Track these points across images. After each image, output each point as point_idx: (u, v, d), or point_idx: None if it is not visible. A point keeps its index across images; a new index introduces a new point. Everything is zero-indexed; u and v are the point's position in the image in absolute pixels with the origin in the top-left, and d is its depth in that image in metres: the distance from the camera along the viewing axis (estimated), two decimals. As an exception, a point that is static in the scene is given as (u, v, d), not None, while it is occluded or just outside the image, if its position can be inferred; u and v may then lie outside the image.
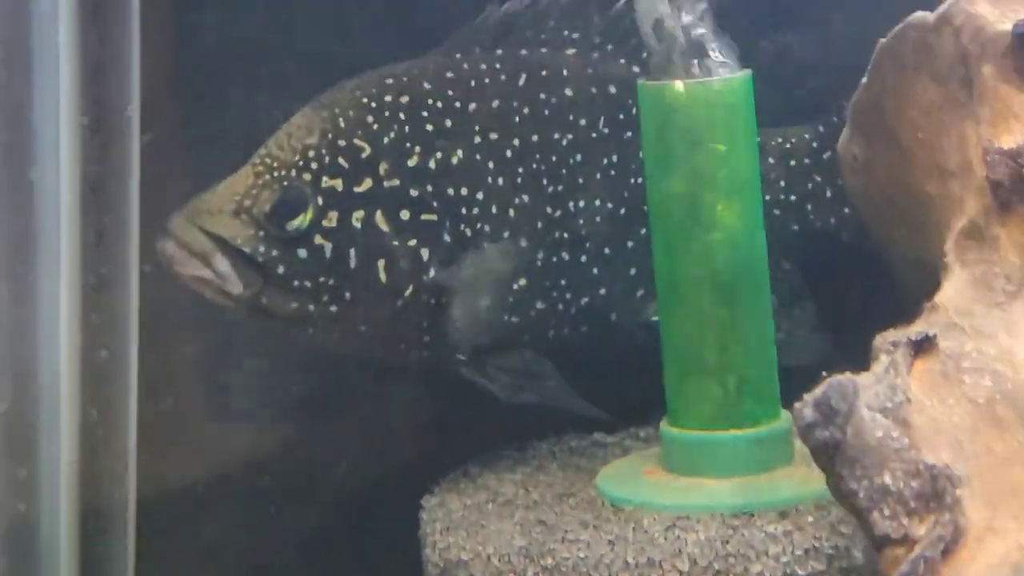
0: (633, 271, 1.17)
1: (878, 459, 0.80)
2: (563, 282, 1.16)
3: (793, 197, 1.19)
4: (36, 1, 1.13)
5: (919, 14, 1.00)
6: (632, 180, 1.17)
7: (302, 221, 1.11)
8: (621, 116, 1.14)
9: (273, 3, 1.35)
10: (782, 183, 1.18)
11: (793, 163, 1.19)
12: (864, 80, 1.05)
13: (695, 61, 1.12)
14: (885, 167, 1.07)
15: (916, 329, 0.87)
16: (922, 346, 0.86)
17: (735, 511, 0.99)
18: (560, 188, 1.18)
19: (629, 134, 1.14)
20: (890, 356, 0.85)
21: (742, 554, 0.96)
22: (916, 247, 1.07)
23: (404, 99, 1.14)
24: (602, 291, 1.18)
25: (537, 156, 1.17)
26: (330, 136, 1.14)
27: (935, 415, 0.83)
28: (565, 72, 1.19)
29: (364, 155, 1.12)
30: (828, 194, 1.19)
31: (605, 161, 1.18)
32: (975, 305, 0.90)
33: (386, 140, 1.13)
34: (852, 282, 1.18)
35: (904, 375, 0.84)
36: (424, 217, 1.12)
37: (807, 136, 1.21)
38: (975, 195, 0.95)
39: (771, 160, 1.17)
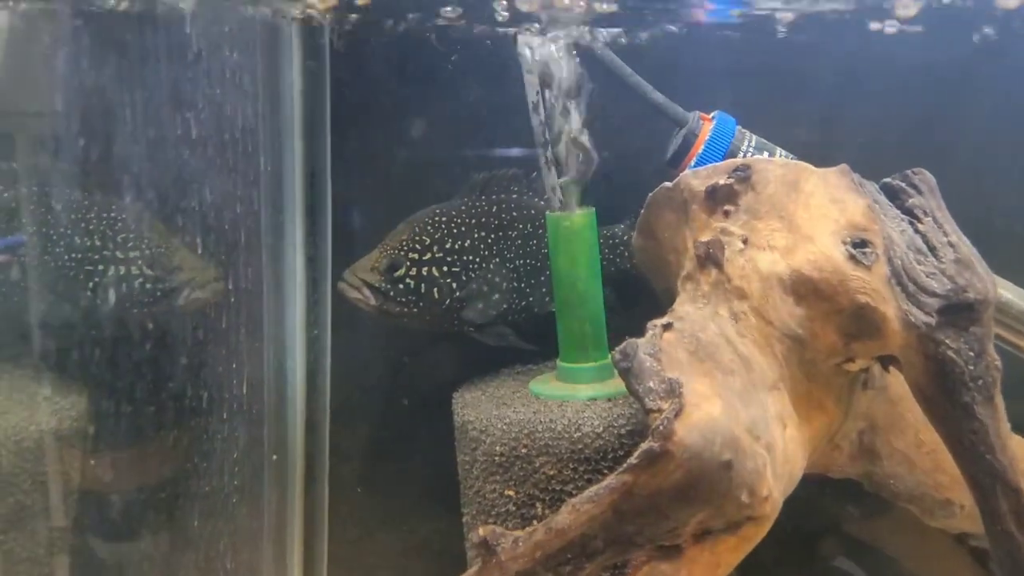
0: (545, 290, 1.12)
1: (646, 375, 0.79)
2: (516, 297, 1.12)
3: (612, 257, 1.15)
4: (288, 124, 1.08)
5: (665, 183, 0.96)
6: (545, 251, 1.08)
7: (401, 272, 1.08)
8: (540, 224, 1.11)
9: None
10: (606, 251, 1.14)
11: (612, 242, 1.16)
12: (642, 210, 1.00)
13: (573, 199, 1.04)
14: (652, 249, 1.02)
15: (664, 320, 0.85)
16: (667, 327, 0.84)
17: (589, 399, 0.97)
18: (515, 257, 1.13)
19: (543, 232, 1.09)
20: (653, 330, 0.84)
21: (591, 415, 0.94)
22: (665, 284, 1.01)
23: (443, 219, 1.10)
24: (532, 300, 1.12)
25: (505, 243, 1.11)
26: (412, 234, 1.10)
27: (672, 356, 0.81)
28: (514, 203, 1.14)
29: (427, 243, 1.09)
30: (627, 255, 1.15)
31: (534, 243, 1.12)
32: (689, 308, 0.88)
33: (436, 236, 1.09)
34: (638, 299, 1.13)
35: (659, 339, 0.83)
36: (452, 269, 1.09)
37: (618, 231, 1.16)
38: (690, 261, 0.92)
39: (603, 240, 1.11)
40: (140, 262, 0.97)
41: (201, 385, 0.92)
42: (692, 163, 1.04)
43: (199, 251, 0.98)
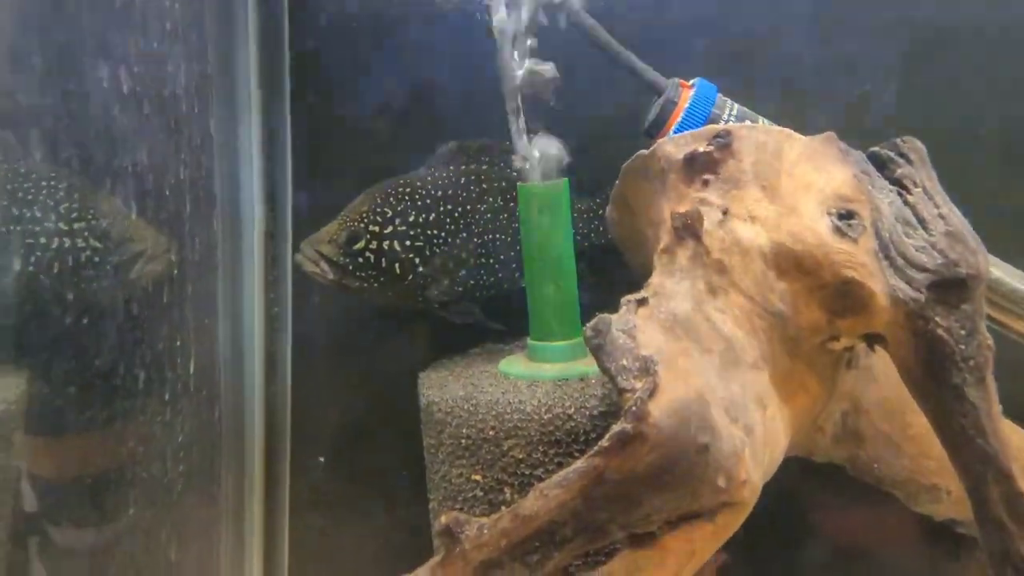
0: (515, 267, 1.09)
1: (620, 352, 0.75)
2: (484, 273, 1.08)
3: (585, 231, 1.12)
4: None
5: (642, 151, 0.90)
6: (515, 226, 1.08)
7: (361, 246, 1.04)
8: (511, 197, 1.07)
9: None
10: (580, 224, 1.10)
11: (587, 216, 1.12)
12: (617, 181, 0.95)
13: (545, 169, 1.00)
14: (628, 222, 0.98)
15: (639, 295, 0.81)
16: (641, 302, 0.81)
17: (560, 379, 0.94)
18: (481, 227, 1.09)
19: (514, 206, 1.06)
20: (627, 305, 0.80)
21: (562, 396, 0.91)
22: (641, 259, 0.95)
23: (407, 190, 1.06)
24: (501, 276, 1.09)
25: (473, 216, 1.07)
26: (373, 205, 1.06)
27: (647, 333, 0.77)
28: (483, 175, 1.10)
29: (388, 215, 1.05)
30: (601, 230, 1.11)
31: (504, 217, 1.09)
32: (665, 282, 0.83)
33: (399, 208, 1.05)
34: (613, 273, 1.08)
35: (633, 314, 0.79)
36: (416, 244, 1.05)
37: (593, 204, 1.12)
38: (667, 233, 0.85)
39: (575, 214, 1.06)
40: (86, 233, 0.90)
41: (149, 365, 0.85)
42: (671, 133, 0.99)
43: (152, 222, 0.91)
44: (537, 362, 0.99)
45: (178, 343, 0.86)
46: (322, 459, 1.11)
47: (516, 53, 0.94)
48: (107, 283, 0.91)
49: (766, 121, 1.01)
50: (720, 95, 1.01)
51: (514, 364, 1.00)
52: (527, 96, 0.96)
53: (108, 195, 0.89)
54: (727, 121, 0.99)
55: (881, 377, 0.92)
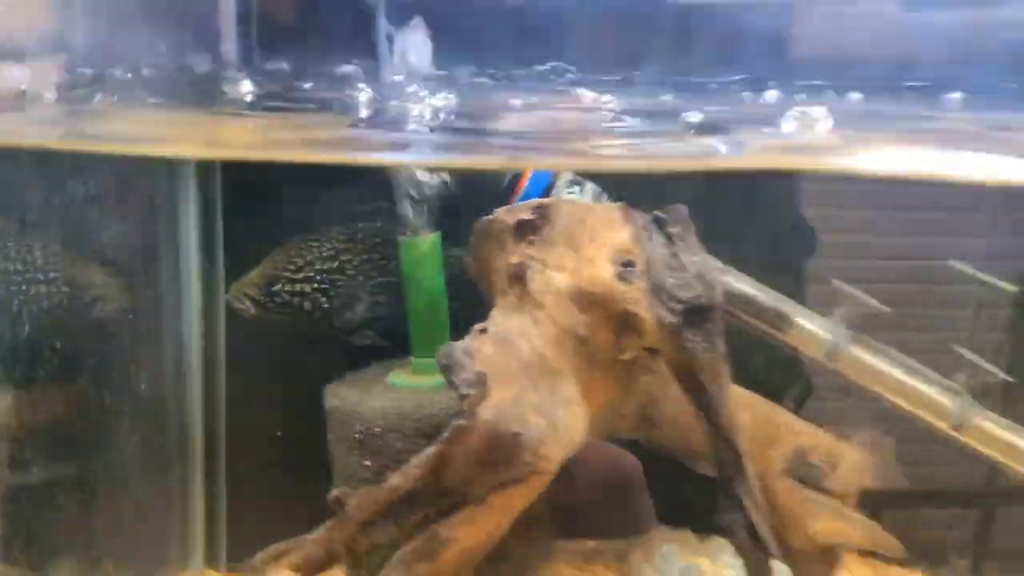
0: (399, 301, 1.26)
1: (461, 369, 0.98)
2: (376, 306, 1.27)
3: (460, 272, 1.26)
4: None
5: (487, 218, 1.13)
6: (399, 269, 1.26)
7: (278, 288, 1.23)
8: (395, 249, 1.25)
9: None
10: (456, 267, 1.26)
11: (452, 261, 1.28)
12: (471, 238, 1.16)
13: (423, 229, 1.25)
14: (479, 268, 1.17)
15: (481, 325, 1.05)
16: (483, 330, 1.04)
17: (433, 388, 1.17)
18: (374, 271, 1.28)
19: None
20: (472, 333, 1.03)
21: (432, 401, 1.16)
22: (490, 295, 1.15)
23: (314, 243, 1.25)
24: (390, 308, 1.27)
25: (367, 263, 1.27)
26: (288, 256, 1.25)
27: (483, 354, 1.01)
28: (375, 231, 1.28)
29: (300, 264, 1.24)
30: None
31: (391, 263, 1.27)
32: (500, 317, 1.07)
33: (308, 258, 1.24)
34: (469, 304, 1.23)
35: (475, 340, 1.02)
36: (322, 286, 1.24)
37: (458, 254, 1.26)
38: (503, 279, 1.10)
39: (453, 259, 1.27)
40: (59, 282, 1.15)
41: (113, 379, 1.11)
42: (520, 195, 1.28)
43: (110, 272, 1.15)
44: (417, 375, 1.23)
45: (140, 362, 1.12)
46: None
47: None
48: (77, 317, 1.16)
49: (593, 185, 1.29)
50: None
51: (399, 376, 1.24)
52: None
53: (78, 257, 1.15)
54: (560, 187, 1.29)
55: (667, 377, 1.19)
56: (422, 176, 1.22)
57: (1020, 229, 1.68)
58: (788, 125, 1.13)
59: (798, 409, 1.40)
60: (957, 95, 1.31)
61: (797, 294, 1.29)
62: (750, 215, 1.45)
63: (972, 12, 1.28)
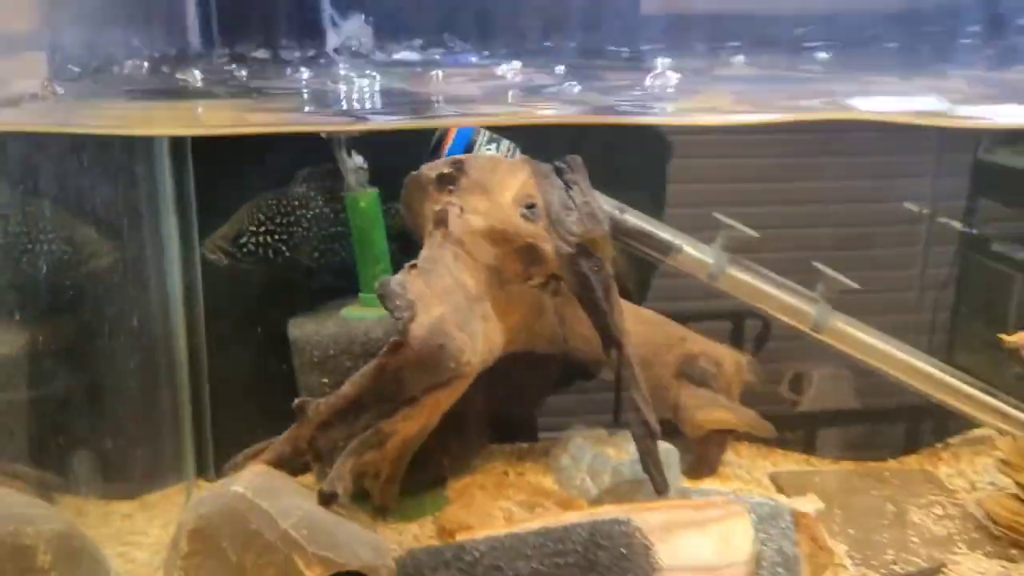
0: (349, 247, 1.43)
1: (395, 297, 1.15)
2: (330, 253, 1.45)
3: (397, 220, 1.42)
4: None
5: (414, 173, 1.30)
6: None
7: (244, 240, 1.40)
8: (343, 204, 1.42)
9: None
10: (395, 216, 1.42)
11: (392, 212, 1.43)
12: (403, 190, 1.33)
13: (362, 183, 1.42)
14: (410, 216, 1.35)
15: (412, 262, 1.21)
16: (413, 266, 1.20)
17: (378, 318, 1.33)
18: (326, 224, 1.45)
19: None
20: (404, 269, 1.19)
21: (376, 327, 1.34)
22: (420, 237, 1.30)
23: (274, 201, 1.42)
24: (342, 254, 1.45)
25: (320, 217, 1.45)
26: (252, 212, 1.41)
27: (413, 284, 1.17)
28: (327, 188, 1.45)
29: (262, 219, 1.40)
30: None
31: (341, 216, 1.44)
32: (428, 254, 1.23)
33: (269, 214, 1.41)
34: (406, 246, 1.39)
35: (407, 274, 1.18)
36: (282, 236, 1.41)
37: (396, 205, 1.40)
38: (430, 223, 1.26)
39: (393, 211, 1.43)
40: (60, 240, 1.34)
41: (110, 322, 1.30)
42: (446, 153, 1.46)
43: (101, 233, 1.34)
44: (364, 308, 1.41)
45: (131, 307, 1.32)
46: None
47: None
48: (75, 270, 1.35)
49: (509, 143, 1.49)
50: (476, 128, 1.47)
51: (351, 310, 1.42)
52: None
53: (74, 220, 1.35)
54: (480, 144, 1.47)
55: (575, 299, 1.43)
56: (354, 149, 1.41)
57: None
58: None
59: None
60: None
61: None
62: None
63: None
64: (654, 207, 1.60)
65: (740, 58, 1.56)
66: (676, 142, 1.71)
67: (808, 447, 1.67)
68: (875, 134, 1.76)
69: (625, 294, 1.45)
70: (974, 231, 1.87)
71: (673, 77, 1.34)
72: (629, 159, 1.60)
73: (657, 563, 1.06)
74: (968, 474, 1.50)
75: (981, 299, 1.87)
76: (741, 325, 1.79)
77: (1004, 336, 1.30)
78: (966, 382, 1.51)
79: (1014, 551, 1.27)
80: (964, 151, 1.90)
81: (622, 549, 1.05)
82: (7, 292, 1.18)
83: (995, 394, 1.51)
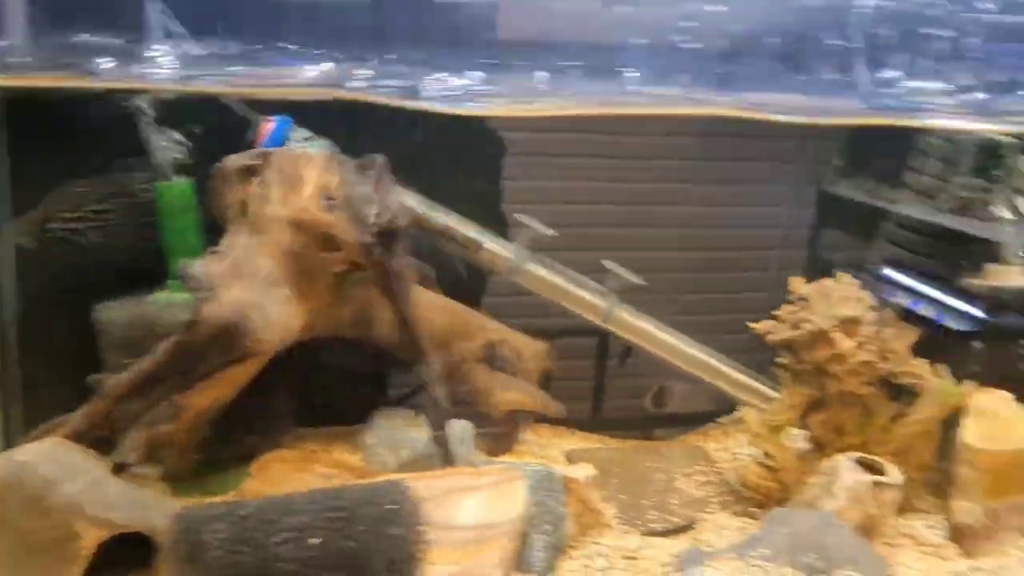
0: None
1: (195, 280, 1.24)
2: (140, 239, 1.47)
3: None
4: None
5: (218, 164, 1.35)
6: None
7: (53, 225, 1.44)
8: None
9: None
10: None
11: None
12: (210, 180, 1.36)
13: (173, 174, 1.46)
14: (217, 204, 1.37)
15: (215, 248, 1.30)
16: (215, 252, 1.29)
17: (186, 301, 1.32)
18: (138, 211, 1.47)
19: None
20: (208, 254, 1.28)
21: (180, 313, 1.33)
22: (225, 225, 1.36)
23: (86, 191, 1.44)
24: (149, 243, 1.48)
25: (129, 204, 1.48)
26: (61, 199, 1.43)
27: (214, 269, 1.26)
28: (137, 179, 1.49)
29: (73, 206, 1.43)
30: None
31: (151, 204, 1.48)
32: (231, 241, 1.32)
33: (80, 201, 1.45)
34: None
35: (209, 259, 1.28)
36: (90, 225, 1.43)
37: None
38: (235, 210, 1.33)
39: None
40: None
41: None
42: (259, 146, 1.51)
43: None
44: (174, 293, 1.44)
45: None
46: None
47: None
48: None
49: (323, 141, 1.57)
50: (293, 125, 1.55)
51: (160, 296, 1.46)
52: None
53: None
54: (296, 141, 1.56)
55: None
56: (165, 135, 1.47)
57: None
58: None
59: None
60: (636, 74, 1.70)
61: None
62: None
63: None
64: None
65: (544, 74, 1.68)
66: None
67: (603, 429, 1.80)
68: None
69: (431, 287, 1.58)
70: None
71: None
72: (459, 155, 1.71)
73: (424, 518, 1.16)
74: (731, 448, 1.67)
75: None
76: (606, 342, 1.90)
77: (751, 324, 1.47)
78: (730, 366, 1.69)
79: (756, 509, 1.46)
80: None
81: (390, 505, 1.14)
82: None
83: (754, 376, 1.70)
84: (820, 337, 1.35)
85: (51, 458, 1.16)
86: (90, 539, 1.09)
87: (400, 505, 1.16)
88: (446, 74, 1.47)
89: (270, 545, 1.04)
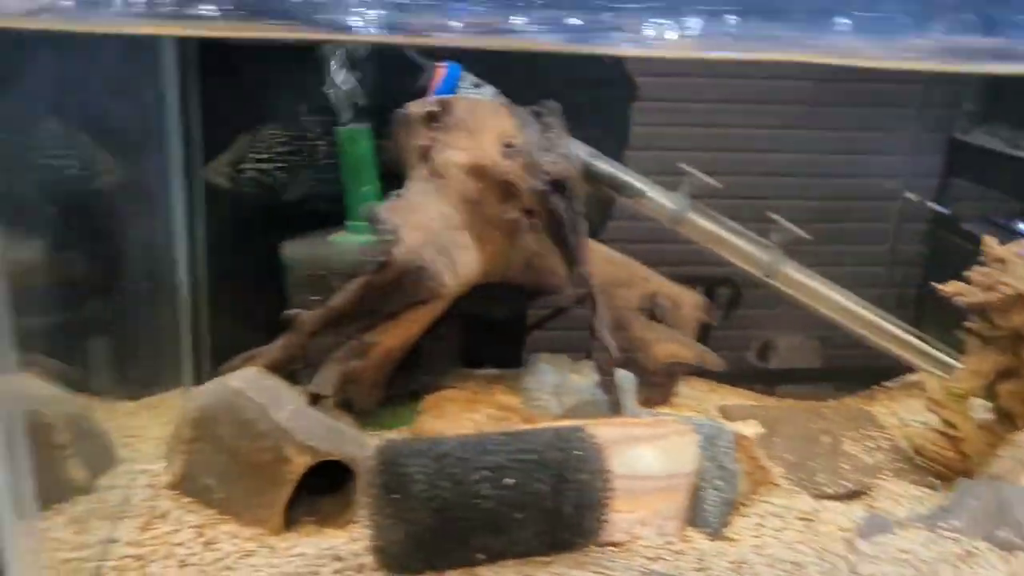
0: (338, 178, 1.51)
1: (382, 222, 1.26)
2: (321, 182, 1.50)
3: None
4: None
5: (401, 110, 1.37)
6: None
7: (245, 166, 1.47)
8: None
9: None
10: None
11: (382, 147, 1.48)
12: (391, 127, 1.40)
13: (354, 119, 1.49)
14: (397, 151, 1.40)
15: (399, 192, 1.34)
16: (399, 195, 1.33)
17: (363, 243, 1.37)
18: (321, 157, 1.50)
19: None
20: (391, 197, 1.33)
21: (353, 252, 1.37)
22: (405, 172, 1.38)
23: (273, 134, 1.48)
24: (332, 184, 1.51)
25: (314, 148, 1.51)
26: (251, 141, 1.47)
27: (398, 212, 1.29)
28: (319, 122, 1.51)
29: (262, 148, 1.46)
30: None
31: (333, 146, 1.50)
32: (413, 185, 1.34)
33: (268, 143, 1.47)
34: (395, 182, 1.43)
35: (393, 202, 1.31)
36: (279, 164, 1.47)
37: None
38: (415, 157, 1.35)
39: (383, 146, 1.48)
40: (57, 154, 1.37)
41: (119, 235, 1.37)
42: (432, 94, 1.51)
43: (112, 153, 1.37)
44: (352, 235, 1.47)
45: (134, 220, 1.36)
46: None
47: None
48: (84, 184, 1.39)
49: (492, 88, 1.56)
50: (463, 72, 1.54)
51: (340, 236, 1.48)
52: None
53: (89, 140, 1.41)
54: (465, 89, 1.55)
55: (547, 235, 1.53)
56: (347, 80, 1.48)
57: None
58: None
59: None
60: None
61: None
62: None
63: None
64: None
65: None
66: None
67: (757, 386, 1.76)
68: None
69: (593, 235, 1.57)
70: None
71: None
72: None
73: (608, 464, 1.17)
74: (900, 413, 1.60)
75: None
76: (712, 293, 1.87)
77: (938, 285, 1.39)
78: (903, 329, 1.62)
79: (935, 480, 1.38)
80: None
81: (576, 451, 1.16)
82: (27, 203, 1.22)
83: (930, 341, 1.63)
84: (1019, 301, 1.26)
85: (259, 386, 1.22)
86: (298, 464, 1.14)
87: (584, 452, 1.16)
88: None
89: (469, 482, 1.07)
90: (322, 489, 1.19)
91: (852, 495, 1.38)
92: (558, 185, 1.39)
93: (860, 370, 1.78)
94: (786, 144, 2.06)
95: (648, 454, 1.21)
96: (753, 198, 1.84)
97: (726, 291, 1.89)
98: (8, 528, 0.84)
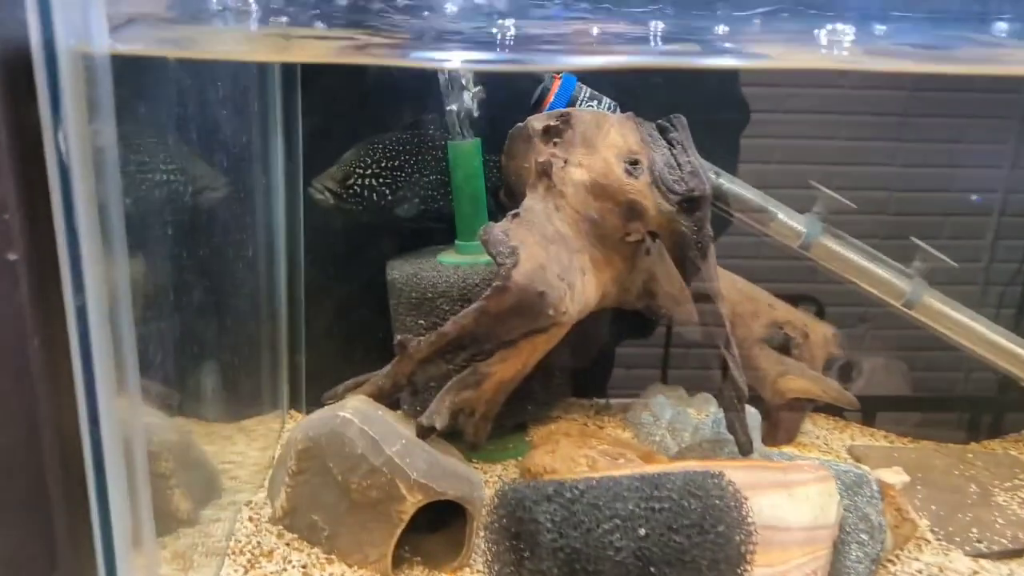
0: (448, 194, 1.44)
1: (498, 243, 1.16)
2: (429, 199, 1.45)
3: (495, 174, 1.47)
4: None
5: (520, 124, 1.31)
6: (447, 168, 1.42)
7: (351, 182, 1.40)
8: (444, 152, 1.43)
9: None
10: (493, 170, 1.47)
11: (497, 163, 1.43)
12: (507, 141, 1.34)
13: (466, 133, 1.43)
14: (512, 166, 1.34)
15: (515, 211, 1.23)
16: (515, 215, 1.22)
17: (472, 264, 1.35)
18: (429, 173, 1.45)
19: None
20: (507, 217, 1.21)
21: (473, 273, 1.34)
22: (520, 188, 1.32)
23: (381, 145, 1.43)
24: (441, 202, 1.46)
25: (422, 163, 1.46)
26: (360, 155, 1.41)
27: (516, 232, 1.18)
28: (429, 137, 1.46)
29: (369, 162, 1.40)
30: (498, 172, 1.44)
31: (442, 164, 1.44)
32: (530, 204, 1.25)
33: (376, 157, 1.42)
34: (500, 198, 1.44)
35: (509, 222, 1.20)
36: (386, 180, 1.41)
37: (494, 157, 1.46)
38: (533, 174, 1.27)
39: (490, 163, 1.45)
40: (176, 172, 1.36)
41: (224, 255, 1.33)
42: (547, 108, 1.45)
43: (216, 168, 1.35)
44: (461, 255, 1.42)
45: (238, 239, 1.33)
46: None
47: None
48: (190, 199, 1.38)
49: (609, 100, 1.47)
50: (579, 83, 1.46)
51: (447, 256, 1.44)
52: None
53: (194, 156, 1.37)
54: (583, 101, 1.47)
55: (665, 257, 1.43)
56: (464, 90, 1.41)
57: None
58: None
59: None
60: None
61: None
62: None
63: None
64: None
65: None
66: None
67: (885, 425, 1.62)
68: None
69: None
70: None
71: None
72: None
73: (750, 517, 1.05)
74: (1056, 461, 1.45)
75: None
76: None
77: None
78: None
79: (1103, 538, 1.23)
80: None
81: (716, 500, 1.05)
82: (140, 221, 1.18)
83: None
84: None
85: (369, 417, 1.15)
86: (410, 503, 1.06)
87: (723, 500, 1.05)
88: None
89: (600, 532, 0.97)
90: (425, 525, 1.12)
91: (1011, 554, 1.23)
92: (686, 205, 1.27)
93: (957, 399, 1.66)
94: (876, 157, 1.89)
95: (785, 502, 1.09)
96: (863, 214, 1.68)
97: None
98: (123, 558, 0.79)
